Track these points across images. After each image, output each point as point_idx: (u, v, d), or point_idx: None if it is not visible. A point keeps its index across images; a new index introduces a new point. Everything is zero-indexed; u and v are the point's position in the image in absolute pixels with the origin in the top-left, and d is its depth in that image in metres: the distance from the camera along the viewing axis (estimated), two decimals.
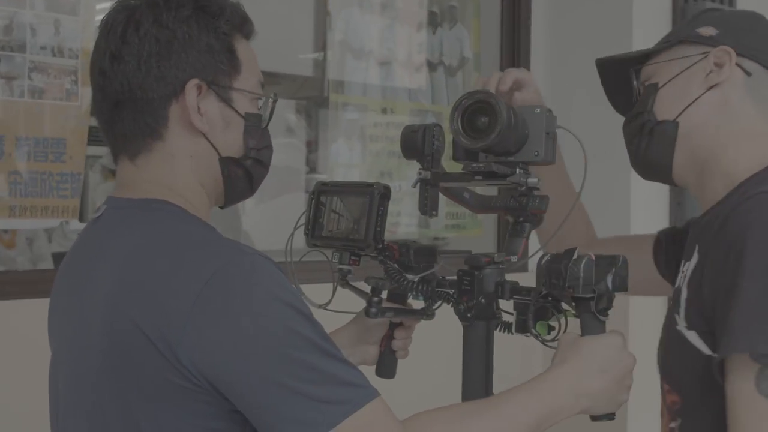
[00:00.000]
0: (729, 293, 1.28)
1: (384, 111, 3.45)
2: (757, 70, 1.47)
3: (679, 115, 1.47)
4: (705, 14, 1.56)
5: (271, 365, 1.16)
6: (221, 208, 1.42)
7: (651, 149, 1.50)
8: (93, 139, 2.58)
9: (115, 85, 1.27)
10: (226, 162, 1.33)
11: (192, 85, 1.28)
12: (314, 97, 3.39)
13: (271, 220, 3.06)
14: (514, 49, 3.75)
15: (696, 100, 1.46)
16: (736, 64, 1.45)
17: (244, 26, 1.35)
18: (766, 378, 1.25)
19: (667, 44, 1.52)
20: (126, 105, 1.28)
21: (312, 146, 3.43)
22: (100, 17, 2.59)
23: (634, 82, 1.55)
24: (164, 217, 1.28)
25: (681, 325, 1.40)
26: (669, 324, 1.45)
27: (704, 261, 1.38)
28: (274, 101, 1.39)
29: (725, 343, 1.27)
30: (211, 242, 1.23)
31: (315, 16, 3.35)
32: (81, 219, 2.62)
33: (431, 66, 3.62)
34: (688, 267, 1.44)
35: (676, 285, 1.48)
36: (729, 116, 1.46)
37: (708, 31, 1.49)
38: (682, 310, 1.41)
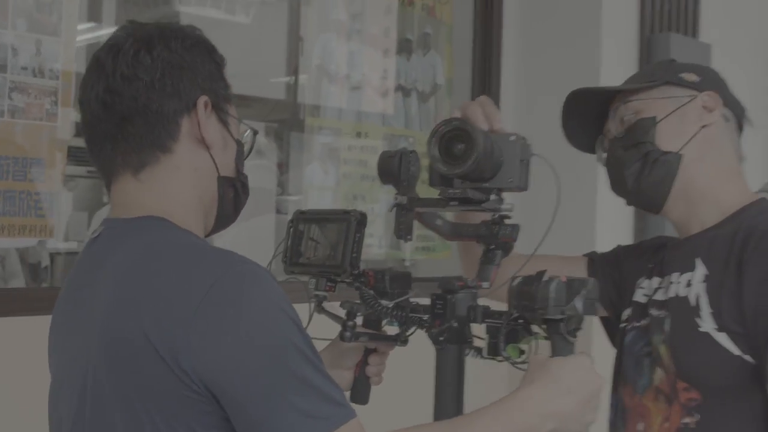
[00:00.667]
0: None
1: (358, 135, 3.43)
2: (731, 118, 1.61)
3: (683, 147, 1.55)
4: (678, 63, 1.65)
5: (269, 376, 1.15)
6: (214, 230, 1.42)
7: (653, 177, 1.56)
8: (72, 159, 2.53)
9: (127, 101, 1.28)
10: (222, 181, 1.35)
11: (202, 101, 1.31)
12: (286, 120, 3.37)
13: (242, 241, 3.03)
14: (485, 76, 3.75)
15: (693, 136, 1.55)
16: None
17: (225, 67, 1.41)
18: None
19: (652, 84, 1.59)
20: (136, 120, 1.29)
21: (283, 168, 3.41)
22: (81, 38, 2.58)
23: (626, 114, 1.60)
24: (162, 231, 1.27)
25: (707, 327, 1.45)
26: (686, 328, 1.48)
27: (727, 271, 1.45)
28: (255, 134, 1.45)
29: None
30: (209, 252, 1.23)
31: (288, 41, 3.33)
32: (57, 238, 2.56)
33: (404, 91, 3.61)
34: (687, 278, 1.51)
35: (672, 295, 1.53)
36: (718, 154, 1.57)
37: (691, 77, 1.59)
38: (705, 314, 1.45)
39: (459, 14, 3.73)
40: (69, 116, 2.51)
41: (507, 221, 1.49)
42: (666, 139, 1.55)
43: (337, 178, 3.37)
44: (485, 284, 1.46)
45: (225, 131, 1.35)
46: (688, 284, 1.51)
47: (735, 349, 1.42)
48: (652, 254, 1.68)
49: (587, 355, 1.35)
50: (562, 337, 1.33)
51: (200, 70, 1.32)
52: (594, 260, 1.78)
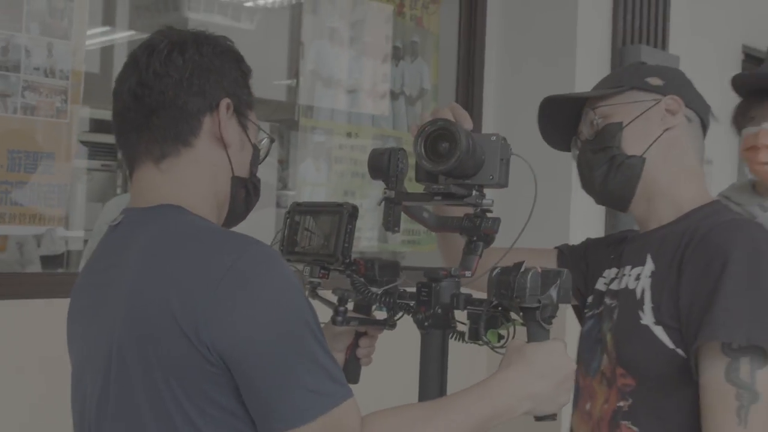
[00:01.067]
0: (712, 294, 1.37)
1: (349, 135, 3.44)
2: (694, 118, 1.61)
3: (645, 151, 1.55)
4: (646, 67, 1.64)
5: (282, 351, 1.17)
6: (227, 224, 1.43)
7: (618, 179, 1.57)
8: (89, 153, 2.54)
9: (156, 95, 1.31)
10: (236, 180, 1.37)
11: (225, 102, 1.34)
12: (286, 120, 3.37)
13: (244, 232, 3.05)
14: (469, 82, 3.77)
15: (656, 139, 1.55)
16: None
17: (251, 76, 1.43)
18: (734, 369, 1.36)
19: (619, 89, 1.59)
20: (162, 113, 1.31)
21: (283, 165, 3.41)
22: (90, 42, 2.59)
23: (594, 119, 1.60)
24: (181, 216, 1.29)
25: (647, 320, 1.47)
26: (629, 319, 1.50)
27: (670, 269, 1.47)
28: (272, 142, 1.47)
29: (707, 333, 1.36)
30: (228, 235, 1.25)
31: (289, 45, 3.33)
32: (66, 227, 2.58)
33: (393, 95, 3.63)
34: (637, 272, 1.54)
35: (623, 286, 1.55)
36: (679, 156, 1.58)
37: (656, 81, 1.59)
38: (647, 308, 1.48)
39: (445, 25, 3.75)
40: (78, 113, 2.52)
41: (488, 215, 1.49)
42: (631, 143, 1.55)
43: (329, 175, 3.38)
44: (468, 273, 1.46)
45: (243, 134, 1.37)
46: (637, 278, 1.53)
47: (669, 343, 1.43)
48: (616, 246, 1.70)
49: (561, 340, 1.37)
50: (538, 324, 1.35)
51: (226, 75, 1.35)
52: (563, 252, 1.80)
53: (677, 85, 1.61)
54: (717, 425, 1.37)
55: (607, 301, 1.61)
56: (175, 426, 1.18)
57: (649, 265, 1.52)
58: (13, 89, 2.40)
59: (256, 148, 1.42)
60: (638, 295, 1.51)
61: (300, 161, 3.32)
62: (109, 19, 2.95)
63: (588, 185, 1.63)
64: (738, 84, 2.06)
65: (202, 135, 1.33)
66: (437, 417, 1.26)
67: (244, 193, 1.40)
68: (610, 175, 1.57)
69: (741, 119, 2.07)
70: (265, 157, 1.46)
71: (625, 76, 1.63)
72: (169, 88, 1.30)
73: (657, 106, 1.56)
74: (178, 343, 1.16)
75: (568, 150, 1.72)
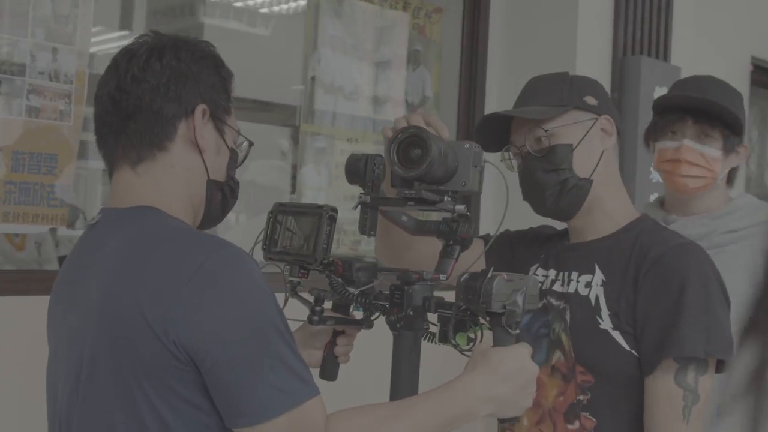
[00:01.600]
0: (673, 312, 1.53)
1: (349, 140, 3.48)
2: (614, 133, 1.70)
3: (592, 173, 1.65)
4: (577, 82, 1.71)
5: (248, 349, 1.20)
6: (202, 226, 1.45)
7: (568, 200, 1.65)
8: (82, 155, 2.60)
9: (133, 99, 1.33)
10: (211, 184, 1.39)
11: (200, 108, 1.36)
12: (292, 125, 3.41)
13: (253, 235, 3.10)
14: (471, 91, 3.80)
15: (599, 161, 1.65)
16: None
17: (232, 82, 1.44)
18: (683, 375, 1.54)
19: (564, 109, 1.65)
20: (138, 117, 1.34)
21: (297, 169, 3.46)
22: (94, 48, 2.65)
23: (542, 136, 1.65)
24: (156, 218, 1.32)
25: (605, 325, 1.60)
26: (587, 324, 1.62)
27: (624, 282, 1.60)
28: (250, 146, 1.48)
29: (675, 347, 1.52)
30: (199, 236, 1.28)
31: (303, 51, 3.39)
32: (68, 226, 2.63)
33: (397, 102, 3.66)
34: (586, 279, 1.65)
35: (571, 290, 1.66)
36: (613, 173, 1.70)
37: (592, 100, 1.67)
38: (604, 315, 1.61)
39: (448, 34, 3.78)
40: (81, 116, 2.57)
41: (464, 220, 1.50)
42: (580, 165, 1.64)
43: (329, 180, 3.43)
44: (443, 276, 1.50)
45: (220, 139, 1.39)
46: (587, 285, 1.65)
47: (626, 346, 1.58)
48: (542, 244, 1.80)
49: (526, 345, 1.40)
50: (503, 329, 1.39)
51: (204, 81, 1.36)
52: (486, 241, 1.83)
53: (607, 103, 1.70)
54: (664, 420, 1.54)
55: (553, 301, 1.68)
56: (143, 422, 1.22)
57: (599, 275, 1.65)
58: (18, 92, 2.47)
59: (233, 152, 1.44)
60: (593, 301, 1.63)
61: (300, 166, 3.37)
62: (126, 23, 3.00)
63: (536, 202, 1.68)
64: (664, 105, 2.14)
65: (177, 140, 1.35)
66: (401, 417, 1.29)
67: (220, 196, 1.42)
68: (561, 196, 1.65)
69: (659, 134, 2.13)
70: (243, 160, 1.48)
71: (565, 94, 1.67)
72: (145, 93, 1.33)
73: (595, 126, 1.65)
74: (148, 342, 1.20)
75: (496, 151, 1.75)
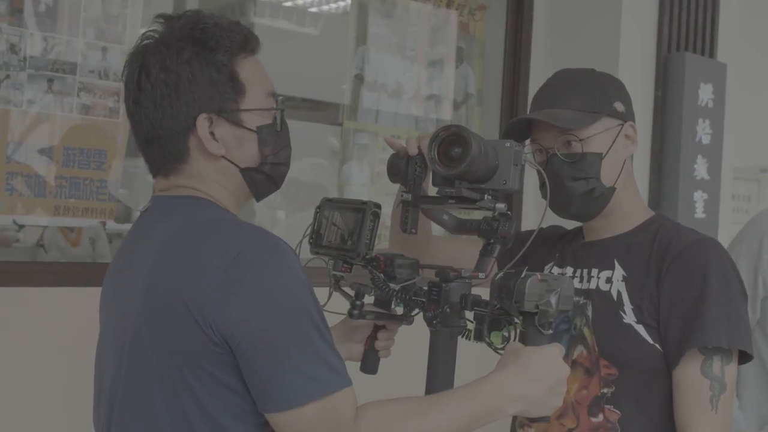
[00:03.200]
0: (696, 304, 1.57)
1: (393, 137, 3.49)
2: (637, 141, 1.72)
3: (616, 181, 1.68)
4: (608, 85, 1.71)
5: (280, 335, 1.22)
6: (257, 200, 1.47)
7: (591, 206, 1.68)
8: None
9: (142, 125, 1.34)
10: (246, 172, 1.39)
11: (201, 119, 1.32)
12: (336, 121, 3.43)
13: (299, 231, 3.14)
14: (514, 88, 3.80)
15: (622, 168, 1.69)
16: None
17: (246, 45, 1.37)
18: (708, 365, 1.57)
19: (596, 117, 1.65)
20: (153, 141, 1.35)
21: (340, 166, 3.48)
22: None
23: (573, 140, 1.65)
24: (200, 207, 1.35)
25: (629, 320, 1.63)
26: (610, 318, 1.65)
27: (647, 277, 1.63)
28: (281, 110, 1.40)
29: (698, 338, 1.55)
30: (240, 226, 1.30)
31: (351, 53, 3.41)
32: (117, 220, 2.70)
33: (437, 99, 3.67)
34: (606, 275, 1.68)
35: (593, 287, 1.68)
36: (631, 177, 1.74)
37: (620, 106, 1.69)
38: (628, 309, 1.63)
39: (491, 32, 3.78)
40: None
41: (505, 219, 1.51)
42: (607, 173, 1.66)
43: (371, 177, 3.45)
44: (481, 275, 1.50)
45: (239, 129, 1.35)
46: (608, 281, 1.67)
47: (649, 339, 1.61)
48: (555, 243, 1.83)
49: (558, 345, 1.41)
50: (536, 328, 1.39)
51: (197, 84, 1.31)
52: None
53: (630, 107, 1.72)
54: (692, 411, 1.57)
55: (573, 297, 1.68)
56: (181, 403, 1.25)
57: (619, 270, 1.67)
58: (69, 90, 2.53)
59: (262, 130, 1.37)
60: (615, 296, 1.65)
61: (343, 162, 3.39)
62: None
63: (559, 206, 1.68)
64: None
65: (192, 154, 1.35)
66: (430, 411, 1.30)
67: (262, 176, 1.40)
68: (586, 203, 1.67)
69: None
70: (282, 123, 1.40)
71: (597, 99, 1.67)
72: (148, 117, 1.33)
73: (621, 133, 1.68)
74: (187, 325, 1.23)
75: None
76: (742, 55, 4.16)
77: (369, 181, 3.46)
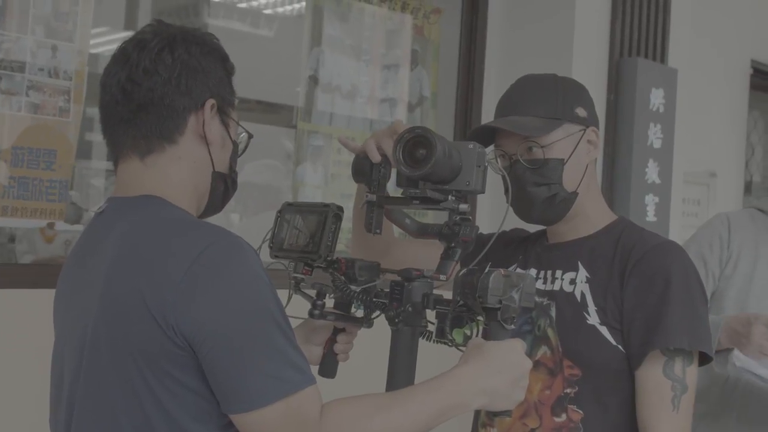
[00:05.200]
0: (658, 306, 1.61)
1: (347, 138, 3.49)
2: (599, 146, 1.76)
3: (578, 186, 1.71)
4: (573, 91, 1.73)
5: (243, 336, 1.23)
6: (206, 211, 1.48)
7: (554, 212, 1.71)
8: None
9: (144, 92, 1.35)
10: (216, 175, 1.43)
11: (210, 102, 1.39)
12: (289, 124, 3.43)
13: (253, 232, 3.12)
14: (468, 91, 3.83)
15: (584, 173, 1.72)
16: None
17: (233, 75, 1.47)
18: (670, 366, 1.61)
19: (557, 123, 1.68)
20: (150, 109, 1.36)
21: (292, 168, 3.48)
22: (95, 48, 2.67)
23: (534, 146, 1.67)
24: (157, 206, 1.35)
25: (593, 321, 1.67)
26: (574, 319, 1.68)
27: (611, 279, 1.67)
28: (249, 138, 1.51)
29: (660, 339, 1.59)
30: (201, 225, 1.31)
31: (305, 55, 3.41)
32: (68, 222, 2.66)
33: (392, 102, 3.68)
34: (570, 277, 1.71)
35: (556, 288, 1.71)
36: (593, 182, 1.76)
37: (582, 112, 1.72)
38: (591, 310, 1.67)
39: (446, 34, 3.81)
40: (80, 113, 2.60)
41: (466, 223, 1.53)
42: (568, 178, 1.69)
43: (326, 179, 3.45)
44: (443, 277, 1.52)
45: (225, 132, 1.43)
46: (572, 282, 1.71)
47: (612, 340, 1.65)
48: (518, 246, 1.86)
49: (519, 340, 1.43)
50: (498, 323, 1.42)
51: (212, 75, 1.40)
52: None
53: (593, 112, 1.75)
54: (654, 411, 1.61)
55: (537, 298, 1.71)
56: (142, 406, 1.25)
57: (583, 272, 1.72)
58: (17, 89, 2.49)
59: (235, 144, 1.47)
60: (578, 298, 1.70)
61: (296, 165, 3.39)
62: (130, 23, 3.02)
63: (522, 211, 1.72)
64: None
65: (186, 133, 1.38)
66: (394, 406, 1.32)
67: (223, 187, 1.46)
68: (549, 208, 1.70)
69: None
70: (244, 151, 1.51)
71: (559, 105, 1.70)
72: (157, 86, 1.35)
73: (583, 138, 1.71)
74: (147, 326, 1.23)
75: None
76: (693, 61, 4.25)
77: (323, 183, 3.46)
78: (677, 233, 4.02)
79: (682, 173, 4.20)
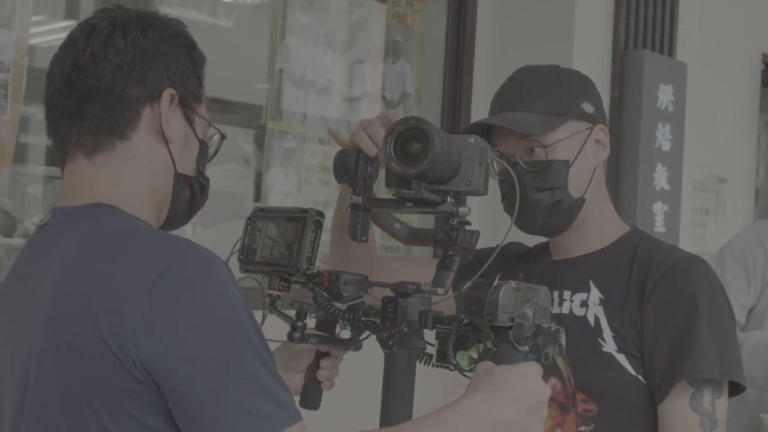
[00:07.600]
0: (684, 330, 1.56)
1: (321, 141, 3.47)
2: (608, 146, 1.71)
3: (585, 192, 1.67)
4: (578, 85, 1.69)
5: (217, 366, 1.16)
6: (171, 223, 1.44)
7: (559, 220, 1.67)
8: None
9: (90, 80, 1.30)
10: (179, 178, 1.37)
11: (168, 93, 1.34)
12: (256, 124, 3.43)
13: (213, 244, 3.09)
14: (456, 87, 3.83)
15: (591, 177, 1.68)
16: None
17: (204, 66, 1.42)
18: (698, 398, 1.56)
19: (561, 120, 1.64)
20: (96, 100, 1.31)
21: (261, 174, 3.45)
22: (35, 39, 2.60)
23: (536, 147, 1.63)
24: (111, 217, 1.29)
25: (609, 348, 1.61)
26: (588, 346, 1.63)
27: (628, 299, 1.62)
28: (222, 138, 1.47)
29: (689, 368, 1.55)
30: (159, 237, 1.26)
31: (269, 45, 3.38)
32: (3, 234, 2.60)
33: (373, 99, 3.67)
34: (580, 298, 1.67)
35: (565, 311, 1.67)
36: (602, 187, 1.73)
37: (589, 108, 1.67)
38: (607, 336, 1.62)
39: (431, 24, 3.80)
40: (18, 111, 2.53)
41: (467, 227, 1.48)
42: (574, 183, 1.65)
43: (299, 184, 3.42)
44: (440, 290, 1.46)
45: (189, 129, 1.37)
46: (583, 304, 1.66)
47: (632, 370, 1.60)
48: (517, 262, 1.81)
49: (535, 363, 1.38)
50: (511, 344, 1.36)
51: (173, 63, 1.35)
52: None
53: (601, 108, 1.71)
54: None
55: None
56: None
57: (595, 292, 1.67)
58: None
59: (203, 144, 1.42)
60: (591, 322, 1.65)
61: (266, 168, 3.35)
62: (72, 12, 2.97)
63: (523, 220, 1.66)
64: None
65: (140, 127, 1.33)
66: None
67: (189, 193, 1.40)
68: (553, 216, 1.66)
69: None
70: (215, 154, 1.46)
71: (563, 100, 1.66)
72: (106, 73, 1.30)
73: (590, 137, 1.67)
74: (101, 357, 1.16)
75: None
76: (704, 55, 4.25)
77: (295, 190, 3.41)
78: (687, 246, 3.98)
79: (692, 179, 4.19)
